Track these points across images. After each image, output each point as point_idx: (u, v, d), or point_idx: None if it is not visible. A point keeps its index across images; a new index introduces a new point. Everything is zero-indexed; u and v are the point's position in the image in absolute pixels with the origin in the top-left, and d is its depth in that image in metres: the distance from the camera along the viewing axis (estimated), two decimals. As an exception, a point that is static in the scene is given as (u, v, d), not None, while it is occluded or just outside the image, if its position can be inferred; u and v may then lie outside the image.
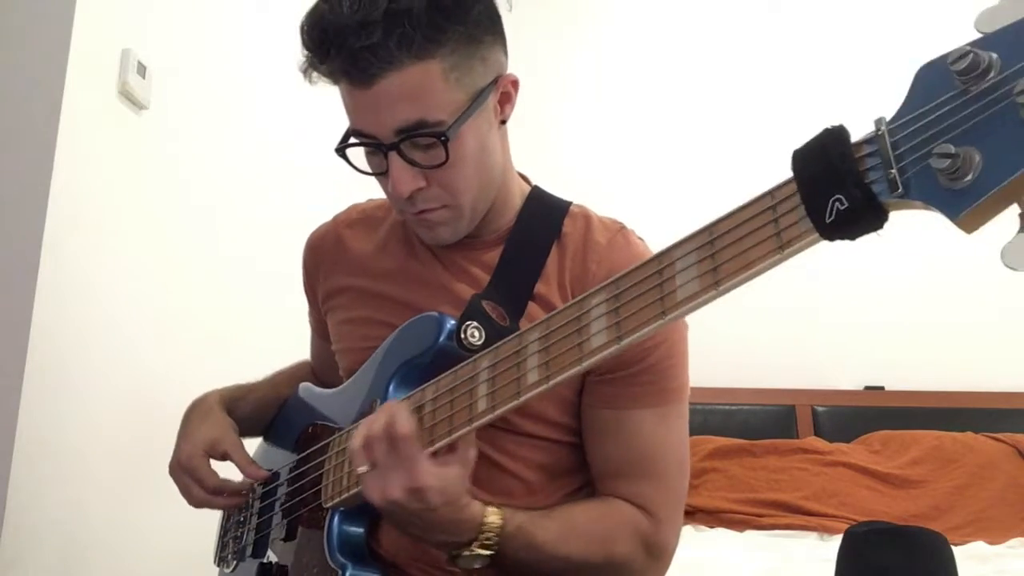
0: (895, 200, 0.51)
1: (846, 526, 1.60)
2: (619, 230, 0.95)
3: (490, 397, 0.75)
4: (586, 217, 0.96)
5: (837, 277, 2.84)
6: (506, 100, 0.90)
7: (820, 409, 2.84)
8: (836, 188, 0.53)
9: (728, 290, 0.60)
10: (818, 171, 0.54)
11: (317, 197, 1.96)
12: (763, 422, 2.79)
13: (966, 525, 2.29)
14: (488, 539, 0.79)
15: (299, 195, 2.19)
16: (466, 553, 0.79)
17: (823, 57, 3.13)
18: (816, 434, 2.75)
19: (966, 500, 2.37)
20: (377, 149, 0.84)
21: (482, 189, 0.90)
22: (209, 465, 1.00)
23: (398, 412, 0.76)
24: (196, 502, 1.01)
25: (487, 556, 0.80)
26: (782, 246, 0.57)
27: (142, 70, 1.52)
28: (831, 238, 0.54)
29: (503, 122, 0.91)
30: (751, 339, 2.88)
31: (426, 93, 0.80)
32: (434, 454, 0.77)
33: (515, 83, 0.90)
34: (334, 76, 0.82)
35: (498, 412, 0.74)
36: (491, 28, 0.85)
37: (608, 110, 3.24)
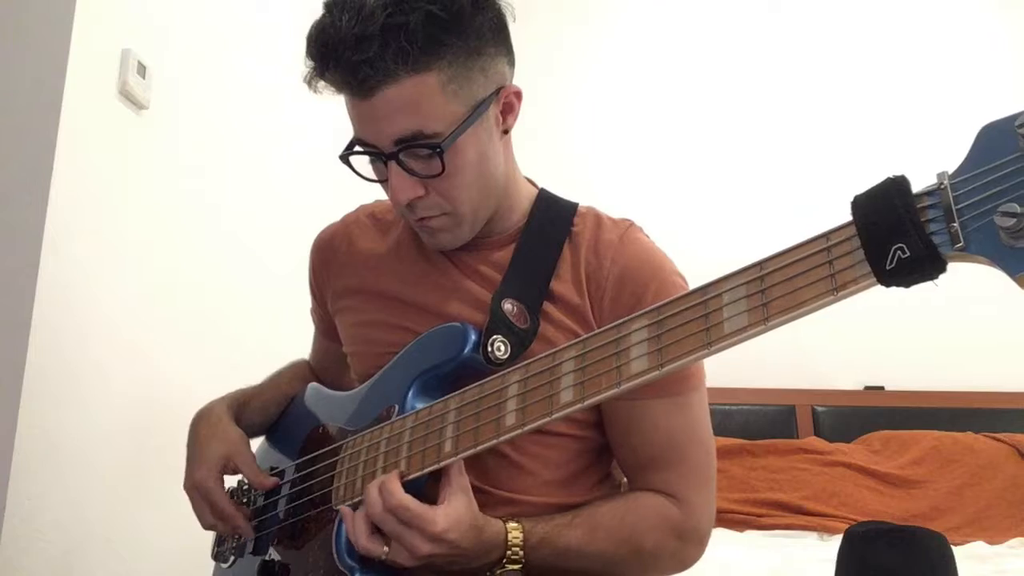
0: (955, 253, 0.54)
1: (846, 526, 1.60)
2: (628, 227, 0.96)
3: (520, 413, 0.77)
4: (595, 216, 0.98)
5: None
6: (508, 110, 0.91)
7: (820, 409, 2.84)
8: (899, 237, 0.55)
9: (777, 326, 0.62)
10: (881, 219, 0.56)
11: (318, 197, 1.96)
12: (763, 422, 2.79)
13: (966, 525, 2.29)
14: (515, 553, 0.83)
15: (300, 194, 2.19)
16: (499, 571, 0.83)
17: (827, 59, 3.13)
18: (816, 434, 2.75)
19: (966, 500, 2.38)
20: (377, 158, 0.86)
21: (483, 197, 0.91)
22: (223, 489, 1.01)
23: (387, 486, 0.80)
24: (207, 525, 1.02)
25: (518, 570, 0.84)
26: (836, 288, 0.59)
27: (142, 70, 1.52)
28: (888, 284, 0.57)
29: (506, 131, 0.92)
30: (751, 339, 2.88)
31: (423, 105, 0.81)
32: (435, 490, 0.82)
33: (518, 94, 0.91)
34: (336, 87, 0.84)
35: (527, 428, 0.76)
36: (494, 40, 0.86)
37: (618, 113, 3.24)
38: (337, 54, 0.80)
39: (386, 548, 0.80)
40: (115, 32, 1.46)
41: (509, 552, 0.83)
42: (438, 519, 0.78)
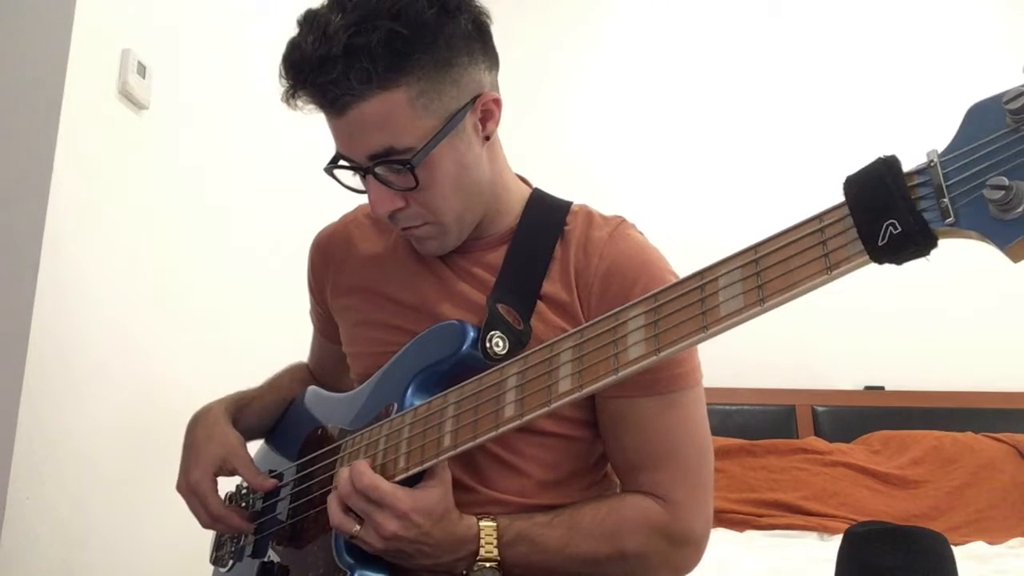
0: (946, 228, 0.55)
1: (846, 526, 1.60)
2: (619, 223, 0.96)
3: (518, 404, 0.77)
4: (587, 214, 0.98)
5: (837, 277, 2.84)
6: (488, 118, 0.90)
7: (820, 409, 2.84)
8: (890, 213, 0.56)
9: (773, 307, 0.63)
10: (872, 196, 0.57)
11: (318, 197, 1.96)
12: (763, 422, 2.79)
13: (966, 525, 2.29)
14: (489, 551, 0.83)
15: (299, 194, 2.19)
16: (476, 568, 0.83)
17: (817, 51, 3.14)
18: (816, 434, 2.75)
19: (966, 500, 2.37)
20: (357, 171, 0.88)
21: (466, 205, 0.91)
22: (215, 490, 1.01)
23: (357, 467, 0.83)
24: (204, 525, 1.02)
25: (495, 567, 0.83)
26: (830, 267, 0.60)
27: (142, 70, 1.52)
28: (880, 261, 0.57)
29: (487, 138, 0.91)
30: (751, 339, 2.88)
31: (392, 122, 0.82)
32: (411, 482, 0.83)
33: (497, 100, 0.90)
34: (311, 104, 0.85)
35: (526, 419, 0.77)
36: (467, 48, 0.85)
37: (616, 112, 3.24)
38: (303, 76, 0.82)
39: (358, 527, 0.82)
40: (115, 32, 1.46)
41: (482, 551, 0.83)
42: (405, 498, 0.80)
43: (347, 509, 0.83)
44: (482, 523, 0.84)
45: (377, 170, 0.85)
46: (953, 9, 3.13)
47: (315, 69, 0.80)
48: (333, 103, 0.82)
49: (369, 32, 0.79)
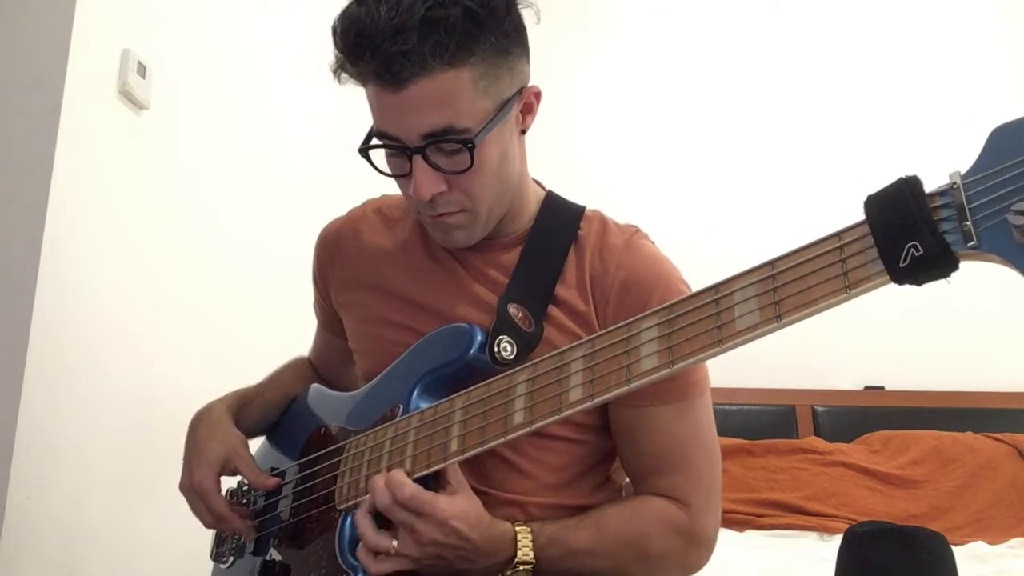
0: (968, 251, 0.55)
1: (846, 526, 1.60)
2: (634, 233, 0.96)
3: (528, 411, 0.77)
4: (601, 220, 0.98)
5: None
6: (528, 110, 0.91)
7: (820, 409, 2.84)
8: (912, 235, 0.56)
9: (790, 323, 0.63)
10: (894, 218, 0.57)
11: (317, 196, 1.96)
12: (763, 422, 2.79)
13: (966, 525, 2.29)
14: (525, 554, 0.84)
15: (299, 194, 2.19)
16: (509, 572, 0.84)
17: (830, 58, 3.13)
18: (816, 434, 2.75)
19: (966, 500, 2.37)
20: (401, 152, 0.85)
21: (500, 196, 0.91)
22: (219, 490, 1.01)
23: (396, 479, 0.81)
24: (206, 525, 1.03)
25: (530, 570, 0.84)
26: (849, 286, 0.60)
27: (142, 70, 1.52)
28: (901, 282, 0.58)
29: (523, 132, 0.92)
30: (762, 337, 2.88)
31: (455, 100, 0.81)
32: (442, 488, 0.83)
33: (538, 95, 0.91)
34: (364, 78, 0.83)
35: (536, 426, 0.77)
36: (519, 39, 0.87)
37: (622, 116, 3.23)
38: (374, 45, 0.79)
39: (395, 542, 0.81)
40: (115, 32, 1.47)
41: (520, 553, 0.83)
42: (446, 506, 0.80)
43: (380, 523, 0.82)
44: (517, 527, 0.85)
45: (428, 151, 0.83)
46: (969, 12, 3.12)
47: (388, 39, 0.78)
48: (397, 75, 0.79)
49: (447, 7, 0.78)
